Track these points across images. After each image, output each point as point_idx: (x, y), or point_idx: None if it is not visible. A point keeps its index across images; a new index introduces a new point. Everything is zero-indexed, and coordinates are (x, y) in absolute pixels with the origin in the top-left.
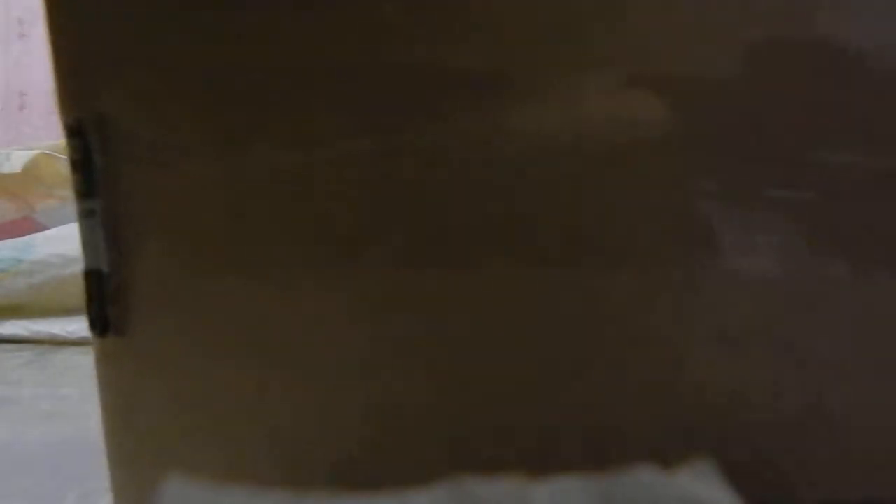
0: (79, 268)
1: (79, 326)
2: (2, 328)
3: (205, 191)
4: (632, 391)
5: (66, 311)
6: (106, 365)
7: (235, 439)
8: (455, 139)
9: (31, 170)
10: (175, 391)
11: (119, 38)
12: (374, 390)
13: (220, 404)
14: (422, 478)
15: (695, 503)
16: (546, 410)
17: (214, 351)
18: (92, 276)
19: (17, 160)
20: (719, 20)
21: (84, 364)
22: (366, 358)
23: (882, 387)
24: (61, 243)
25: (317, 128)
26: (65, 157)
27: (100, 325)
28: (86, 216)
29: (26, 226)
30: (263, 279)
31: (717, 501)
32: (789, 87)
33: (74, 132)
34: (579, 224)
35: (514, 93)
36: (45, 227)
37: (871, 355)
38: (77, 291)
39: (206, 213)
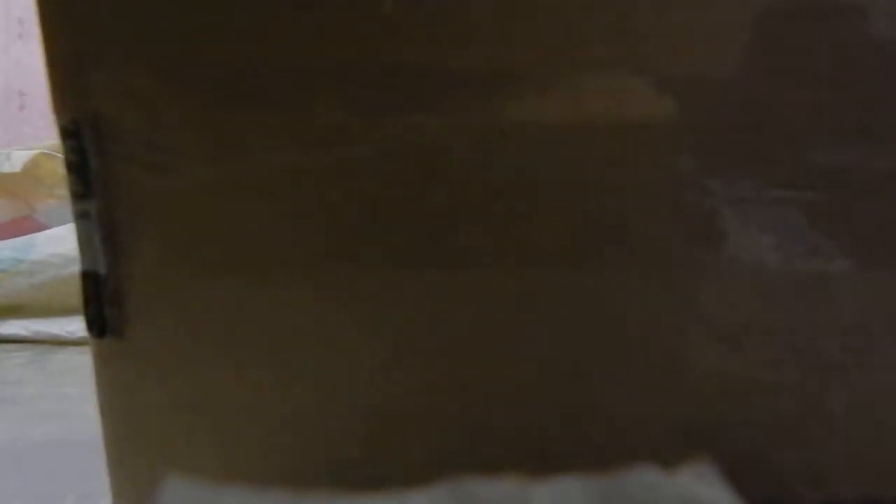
0: (79, 268)
1: (79, 326)
2: (2, 328)
3: (202, 192)
4: (632, 391)
5: (66, 311)
6: (104, 366)
7: (235, 439)
8: (456, 139)
9: (31, 170)
10: (174, 392)
11: (115, 38)
12: (374, 390)
13: (219, 405)
14: (422, 478)
15: (695, 503)
16: (546, 410)
17: (213, 352)
18: (88, 278)
19: (17, 160)
20: (721, 20)
21: (84, 364)
22: (365, 358)
23: (883, 385)
24: (62, 243)
25: (316, 128)
26: None
27: (97, 326)
28: (82, 217)
29: (26, 226)
30: (262, 280)
31: (717, 501)
32: (791, 87)
33: (70, 133)
34: (580, 224)
35: (515, 93)
36: (45, 227)
37: (872, 354)
38: (77, 291)
39: (203, 215)
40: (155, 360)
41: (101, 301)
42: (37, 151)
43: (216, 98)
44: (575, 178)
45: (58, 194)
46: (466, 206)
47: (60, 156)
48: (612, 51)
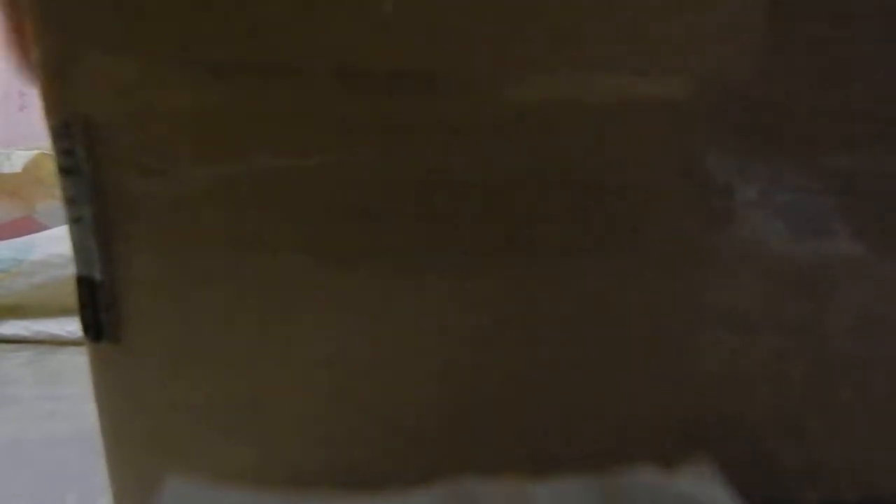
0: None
1: (79, 326)
2: (2, 328)
3: (197, 194)
4: (634, 390)
5: (66, 311)
6: (101, 369)
7: (233, 440)
8: (459, 140)
9: (31, 170)
10: (172, 393)
11: (106, 37)
12: (374, 392)
13: (218, 406)
14: (422, 478)
15: (694, 503)
16: (547, 410)
17: (211, 354)
18: (83, 283)
19: (17, 160)
20: (734, 20)
21: (84, 364)
22: (366, 360)
23: (886, 384)
24: (62, 243)
25: (317, 132)
26: None
27: (93, 330)
28: (76, 222)
29: (26, 226)
30: (259, 283)
31: (717, 501)
32: (803, 88)
33: (60, 135)
34: (583, 222)
35: (518, 92)
36: (45, 227)
37: (877, 353)
38: None
39: (198, 217)
40: (152, 363)
41: (97, 306)
42: (37, 151)
43: (210, 100)
44: (580, 178)
45: (58, 194)
46: (468, 206)
47: None
48: (618, 50)
